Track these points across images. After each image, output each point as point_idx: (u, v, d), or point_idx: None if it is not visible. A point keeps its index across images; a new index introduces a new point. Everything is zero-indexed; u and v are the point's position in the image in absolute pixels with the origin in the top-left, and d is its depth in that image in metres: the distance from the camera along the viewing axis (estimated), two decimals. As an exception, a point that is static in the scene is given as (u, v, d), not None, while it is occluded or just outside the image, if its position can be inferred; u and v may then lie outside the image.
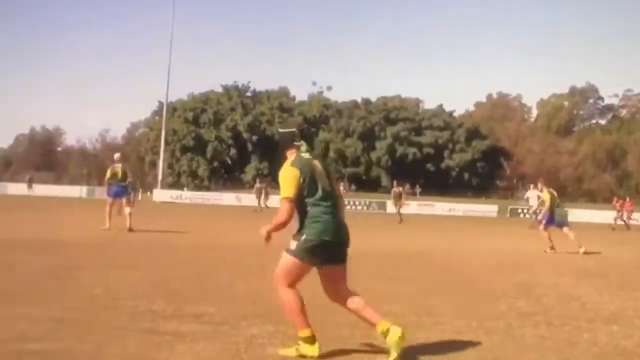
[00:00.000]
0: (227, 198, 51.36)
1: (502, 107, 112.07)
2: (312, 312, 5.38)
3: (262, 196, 40.87)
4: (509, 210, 53.07)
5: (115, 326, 6.02)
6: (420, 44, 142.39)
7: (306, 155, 5.27)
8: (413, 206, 53.63)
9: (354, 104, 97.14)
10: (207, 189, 78.19)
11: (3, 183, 65.22)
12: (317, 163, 5.26)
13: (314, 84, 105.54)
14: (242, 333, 5.97)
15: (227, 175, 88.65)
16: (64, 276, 9.03)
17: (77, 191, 58.62)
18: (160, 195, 56.61)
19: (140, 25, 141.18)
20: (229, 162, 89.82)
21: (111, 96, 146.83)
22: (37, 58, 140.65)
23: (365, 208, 53.26)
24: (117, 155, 18.88)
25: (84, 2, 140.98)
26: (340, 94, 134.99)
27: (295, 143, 5.31)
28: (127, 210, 17.83)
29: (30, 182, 58.73)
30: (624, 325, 7.08)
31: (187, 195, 59.56)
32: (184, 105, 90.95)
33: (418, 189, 77.91)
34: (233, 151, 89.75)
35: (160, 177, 63.00)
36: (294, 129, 5.42)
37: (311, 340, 5.18)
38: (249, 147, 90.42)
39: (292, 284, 5.23)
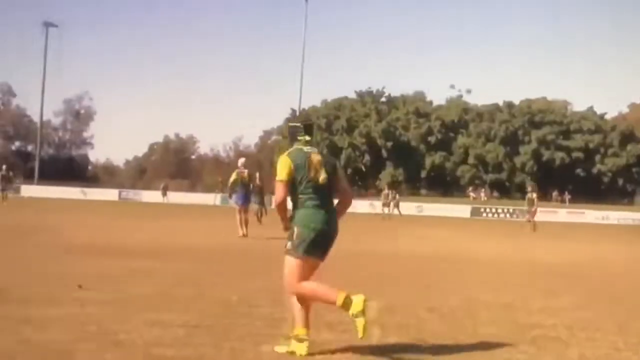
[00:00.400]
0: (361, 205, 51.49)
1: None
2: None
3: (391, 203, 41.54)
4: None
5: (251, 333, 6.03)
6: (568, 44, 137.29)
7: (305, 148, 5.61)
8: (562, 214, 51.79)
9: (496, 107, 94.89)
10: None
11: (138, 191, 68.39)
12: (315, 156, 5.58)
13: (452, 87, 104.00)
14: (378, 342, 5.85)
15: (361, 182, 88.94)
16: (199, 283, 9.23)
17: (211, 198, 60.51)
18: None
19: (272, 34, 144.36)
20: (363, 169, 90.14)
21: (244, 104, 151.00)
22: (171, 68, 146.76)
23: (507, 216, 51.92)
24: (241, 161, 19.34)
25: (215, 15, 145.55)
26: (480, 97, 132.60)
27: (299, 137, 5.66)
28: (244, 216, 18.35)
29: (164, 190, 61.26)
30: None
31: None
32: (317, 112, 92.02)
33: (567, 196, 75.30)
34: (367, 158, 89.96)
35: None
36: (298, 124, 5.78)
37: (302, 339, 5.49)
38: (384, 153, 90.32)
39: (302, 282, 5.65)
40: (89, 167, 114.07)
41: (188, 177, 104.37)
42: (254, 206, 26.66)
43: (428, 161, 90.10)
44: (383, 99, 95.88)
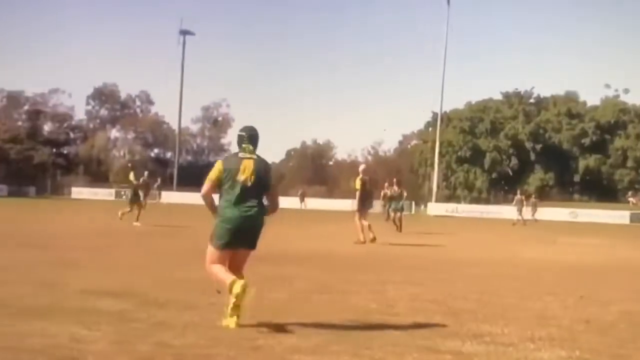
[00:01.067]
0: (508, 211, 50.23)
1: None
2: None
3: (523, 208, 40.51)
4: None
5: (392, 342, 6.00)
6: None
7: (242, 154, 6.71)
8: None
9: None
10: (486, 201, 77.39)
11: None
12: (248, 162, 6.64)
13: (608, 86, 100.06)
14: (529, 356, 5.68)
15: (507, 187, 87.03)
16: (336, 290, 9.29)
17: (349, 204, 60.85)
18: (435, 208, 57.10)
19: (412, 36, 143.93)
20: (510, 173, 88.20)
21: (382, 109, 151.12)
22: (307, 73, 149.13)
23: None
24: (362, 167, 19.94)
25: (353, 19, 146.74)
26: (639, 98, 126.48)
27: (243, 145, 6.73)
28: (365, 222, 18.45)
29: (302, 197, 62.23)
30: None
31: (463, 209, 59.37)
32: (460, 114, 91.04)
33: None
34: (514, 161, 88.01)
35: (434, 190, 63.66)
36: (244, 134, 6.80)
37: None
38: (532, 156, 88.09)
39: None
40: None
41: (325, 183, 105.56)
42: (391, 213, 26.79)
43: (582, 164, 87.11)
44: (531, 100, 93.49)
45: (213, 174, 6.67)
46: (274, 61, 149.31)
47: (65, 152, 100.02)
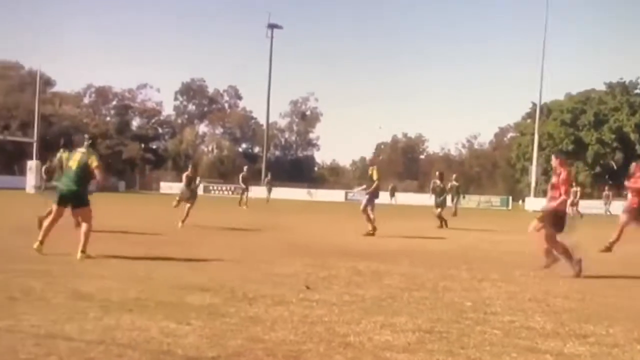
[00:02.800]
0: (613, 207, 48.86)
1: None
2: None
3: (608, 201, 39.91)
4: None
5: (489, 342, 5.92)
6: None
7: (79, 149, 11.66)
8: None
9: None
10: (590, 196, 75.46)
11: (365, 193, 69.70)
12: (77, 155, 11.49)
13: None
14: (635, 357, 5.53)
15: (612, 181, 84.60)
16: (431, 287, 9.22)
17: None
18: (533, 203, 55.95)
19: (509, 25, 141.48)
20: (614, 167, 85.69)
21: (478, 101, 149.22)
22: (396, 66, 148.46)
23: None
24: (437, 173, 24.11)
25: (446, 5, 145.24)
26: None
27: (85, 142, 11.69)
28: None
29: (392, 191, 61.97)
30: None
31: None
32: (560, 106, 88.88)
33: None
34: (619, 155, 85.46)
35: (533, 184, 62.46)
36: (86, 136, 12.00)
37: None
38: (638, 149, 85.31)
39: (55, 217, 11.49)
40: (315, 168, 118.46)
41: (416, 177, 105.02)
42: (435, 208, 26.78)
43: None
44: (637, 91, 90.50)
45: (56, 161, 13.34)
46: (361, 53, 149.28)
47: (154, 147, 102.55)
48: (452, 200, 32.75)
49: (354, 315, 6.84)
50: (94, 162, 11.32)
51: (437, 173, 27.35)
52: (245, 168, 40.34)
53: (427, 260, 12.81)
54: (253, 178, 48.93)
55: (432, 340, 5.92)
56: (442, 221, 24.47)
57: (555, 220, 11.24)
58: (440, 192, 25.47)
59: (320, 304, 7.47)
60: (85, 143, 11.63)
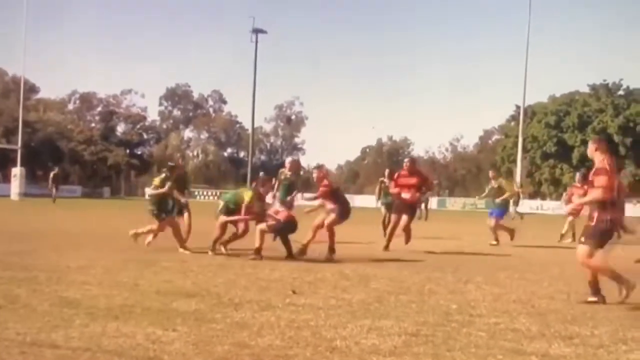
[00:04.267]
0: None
1: None
2: None
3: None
4: None
5: (475, 344, 5.96)
6: None
7: None
8: None
9: None
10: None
11: (351, 195, 69.93)
12: None
13: None
14: (621, 358, 5.58)
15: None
16: (417, 290, 9.25)
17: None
18: (519, 206, 56.19)
19: (493, 27, 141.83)
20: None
21: (462, 103, 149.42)
22: (380, 69, 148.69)
23: None
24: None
25: (428, 9, 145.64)
26: None
27: None
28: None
29: (379, 194, 61.89)
30: None
31: (549, 206, 58.26)
32: (544, 108, 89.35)
33: None
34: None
35: (517, 187, 62.73)
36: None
37: None
38: (622, 151, 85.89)
39: None
40: (301, 173, 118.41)
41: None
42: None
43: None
44: (620, 92, 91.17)
45: None
46: (344, 58, 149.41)
47: (139, 153, 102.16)
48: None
49: (340, 320, 6.85)
50: None
51: (386, 171, 23.76)
52: (261, 174, 40.10)
53: (411, 263, 12.84)
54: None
55: (418, 343, 5.94)
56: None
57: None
58: (387, 193, 21.83)
59: (306, 308, 7.47)
60: None
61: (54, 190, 43.57)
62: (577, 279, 10.83)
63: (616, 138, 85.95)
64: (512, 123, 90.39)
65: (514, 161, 71.77)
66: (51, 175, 45.52)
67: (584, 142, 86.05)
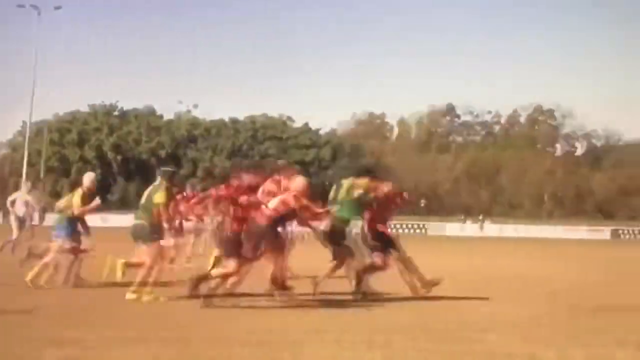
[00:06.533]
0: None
1: (367, 124, 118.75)
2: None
3: None
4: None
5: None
6: (286, 63, 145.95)
7: None
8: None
9: (222, 123, 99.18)
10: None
11: None
12: None
13: (180, 102, 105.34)
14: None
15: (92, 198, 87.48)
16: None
17: None
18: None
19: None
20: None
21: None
22: None
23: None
24: None
25: None
26: (208, 113, 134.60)
27: None
28: None
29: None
30: None
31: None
32: (50, 125, 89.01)
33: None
34: (98, 171, 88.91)
35: (20, 199, 62.24)
36: None
37: None
38: (114, 167, 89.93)
39: None
40: None
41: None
42: None
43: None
44: (116, 113, 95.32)
45: None
46: None
47: None
48: None
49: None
50: None
51: None
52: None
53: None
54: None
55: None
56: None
57: None
58: None
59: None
60: None
61: None
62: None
63: (110, 155, 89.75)
64: (20, 138, 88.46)
65: (21, 175, 70.48)
66: None
67: (82, 158, 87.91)
